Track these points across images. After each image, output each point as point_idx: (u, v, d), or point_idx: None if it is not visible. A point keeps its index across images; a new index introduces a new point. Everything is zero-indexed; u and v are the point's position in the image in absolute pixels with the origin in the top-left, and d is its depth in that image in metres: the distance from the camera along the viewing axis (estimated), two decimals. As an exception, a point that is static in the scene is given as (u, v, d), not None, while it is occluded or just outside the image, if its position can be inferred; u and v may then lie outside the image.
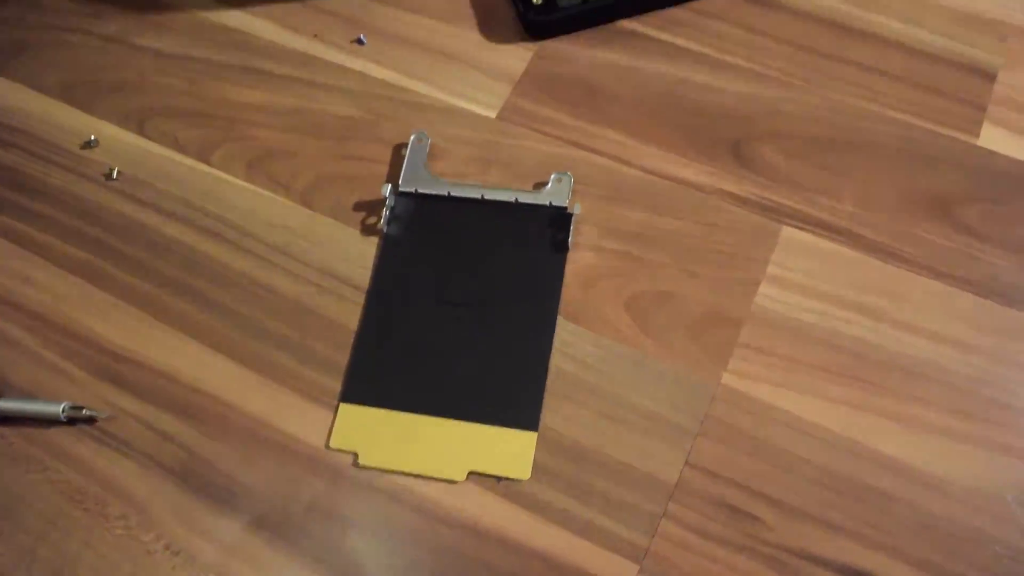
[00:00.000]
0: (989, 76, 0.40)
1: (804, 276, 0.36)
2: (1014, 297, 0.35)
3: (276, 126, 0.41)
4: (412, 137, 0.39)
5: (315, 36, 0.43)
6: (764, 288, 0.36)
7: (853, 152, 0.38)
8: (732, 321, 0.35)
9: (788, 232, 0.37)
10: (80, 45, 0.45)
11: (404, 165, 0.38)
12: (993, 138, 0.39)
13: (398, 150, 0.40)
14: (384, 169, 0.39)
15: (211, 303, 0.37)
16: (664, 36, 0.42)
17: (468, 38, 0.43)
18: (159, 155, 0.41)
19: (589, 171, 0.38)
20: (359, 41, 0.43)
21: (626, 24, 0.42)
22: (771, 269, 0.36)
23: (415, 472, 0.33)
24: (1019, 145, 0.39)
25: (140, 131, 0.42)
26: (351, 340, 0.36)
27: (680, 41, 0.42)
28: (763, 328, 0.35)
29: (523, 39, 0.42)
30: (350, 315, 0.36)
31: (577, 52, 0.42)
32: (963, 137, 0.39)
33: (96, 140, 0.42)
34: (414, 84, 0.41)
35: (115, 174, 0.41)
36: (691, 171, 0.38)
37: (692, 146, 0.39)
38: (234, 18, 0.45)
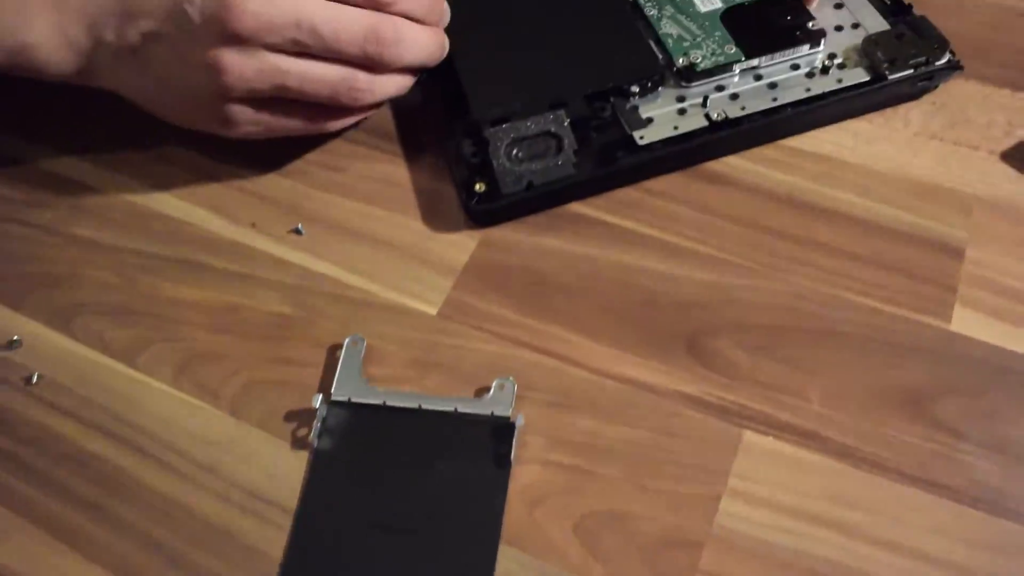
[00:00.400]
0: (957, 253, 0.38)
1: (769, 488, 0.33)
2: (1001, 505, 0.32)
3: (207, 325, 0.39)
4: (347, 341, 0.37)
5: (252, 225, 0.41)
6: (726, 504, 0.32)
7: (818, 343, 0.36)
8: (691, 543, 0.32)
9: (750, 438, 0.34)
10: (14, 236, 0.43)
11: (337, 372, 0.36)
12: (966, 322, 0.36)
13: (333, 352, 0.37)
14: (318, 373, 0.37)
15: (125, 527, 0.34)
16: (613, 219, 0.40)
17: (409, 227, 0.41)
18: (83, 357, 0.39)
19: (535, 373, 0.36)
20: (296, 231, 0.41)
21: (574, 207, 0.40)
22: (733, 482, 0.33)
23: None
24: (994, 329, 0.36)
25: (66, 330, 0.39)
26: (275, 571, 0.32)
27: (630, 224, 0.40)
28: (726, 550, 0.31)
29: (467, 227, 0.40)
30: (275, 542, 0.33)
31: (522, 240, 0.40)
32: (934, 322, 0.36)
33: (19, 340, 0.39)
34: (352, 278, 0.39)
35: (35, 378, 0.38)
36: (644, 371, 0.36)
37: (645, 342, 0.36)
38: (171, 205, 0.43)
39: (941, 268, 0.38)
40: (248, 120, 0.39)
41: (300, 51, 0.36)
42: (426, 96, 0.43)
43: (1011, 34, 0.46)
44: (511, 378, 0.35)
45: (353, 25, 0.36)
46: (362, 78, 0.38)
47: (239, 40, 0.35)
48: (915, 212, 0.39)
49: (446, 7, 0.40)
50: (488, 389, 0.35)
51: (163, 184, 0.44)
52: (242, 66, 0.36)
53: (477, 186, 0.39)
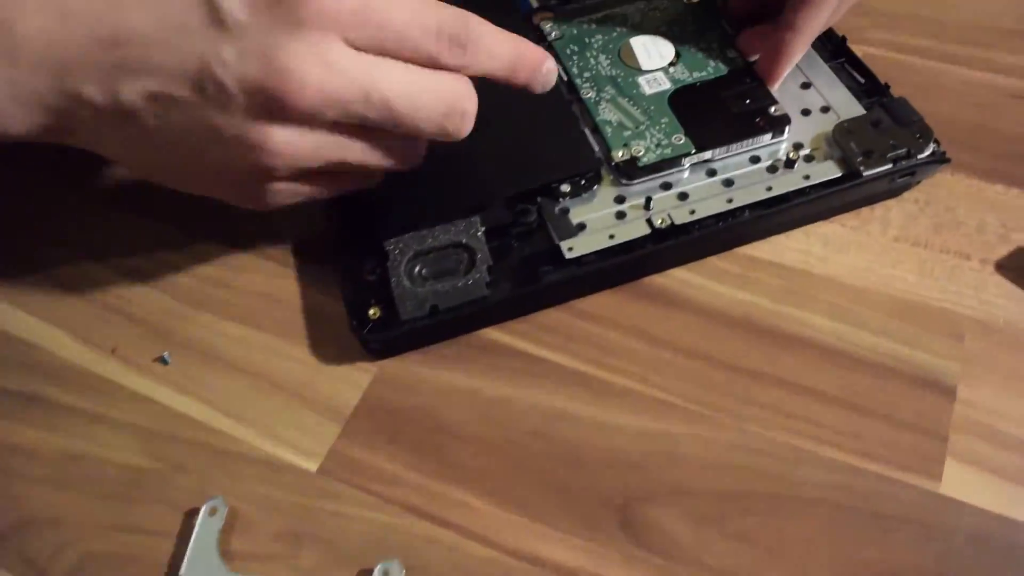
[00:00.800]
0: (947, 392, 0.31)
1: None
2: None
3: (45, 479, 0.32)
4: (203, 509, 0.30)
5: (113, 351, 0.35)
6: None
7: (781, 512, 0.29)
8: None
9: (694, 643, 0.27)
10: None
11: (189, 550, 0.29)
12: (960, 482, 0.30)
13: (191, 517, 0.30)
14: (170, 546, 0.30)
15: None
16: (535, 349, 0.33)
17: (294, 356, 0.34)
18: None
19: (428, 552, 0.29)
20: (162, 360, 0.34)
21: (489, 334, 0.34)
22: None
23: None
24: (994, 491, 0.29)
25: None
26: None
27: (555, 356, 0.33)
28: None
29: (361, 357, 0.33)
30: None
31: (425, 375, 0.33)
32: (922, 483, 0.29)
33: None
34: (221, 421, 0.32)
35: None
36: (564, 550, 0.29)
37: (566, 510, 0.29)
38: (21, 324, 0.36)
39: (929, 411, 0.31)
40: (289, 196, 0.32)
41: (363, 124, 0.29)
42: (327, 198, 0.36)
43: (1002, 118, 0.39)
44: (397, 561, 0.28)
45: (432, 100, 0.29)
46: (423, 144, 0.32)
47: (294, 118, 0.27)
48: (897, 339, 0.33)
49: (545, 65, 0.32)
50: (370, 573, 0.28)
51: (16, 297, 0.37)
52: (296, 146, 0.28)
53: (371, 311, 0.32)
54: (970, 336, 0.33)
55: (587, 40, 0.40)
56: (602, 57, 0.39)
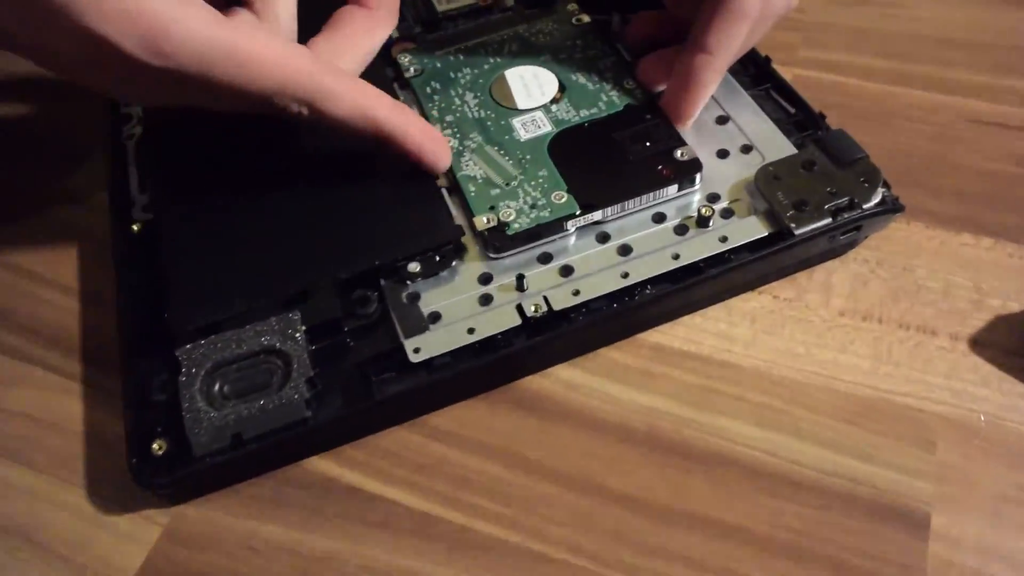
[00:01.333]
0: (918, 523, 0.24)
1: None
2: None
3: None
4: None
5: None
6: None
7: None
8: None
9: None
10: None
11: None
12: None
13: None
14: None
15: None
16: (372, 485, 0.25)
17: (66, 503, 0.26)
18: None
19: None
20: None
21: (314, 464, 0.26)
22: None
23: None
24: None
25: None
26: None
27: (397, 493, 0.25)
28: None
29: (153, 502, 0.25)
30: None
31: (229, 525, 0.25)
32: (885, 657, 0.21)
33: None
34: (-40, 601, 0.24)
35: None
36: None
37: None
38: None
39: (895, 554, 0.23)
40: None
41: None
42: (123, 299, 0.28)
43: (965, 150, 0.32)
44: None
45: None
46: None
47: None
48: (848, 451, 0.25)
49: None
50: None
51: None
52: None
53: (155, 444, 0.24)
54: (944, 443, 0.25)
55: (453, 75, 0.32)
56: (469, 96, 0.31)
